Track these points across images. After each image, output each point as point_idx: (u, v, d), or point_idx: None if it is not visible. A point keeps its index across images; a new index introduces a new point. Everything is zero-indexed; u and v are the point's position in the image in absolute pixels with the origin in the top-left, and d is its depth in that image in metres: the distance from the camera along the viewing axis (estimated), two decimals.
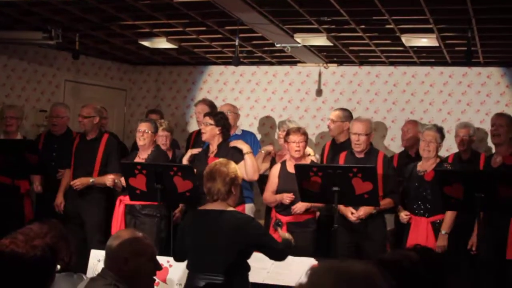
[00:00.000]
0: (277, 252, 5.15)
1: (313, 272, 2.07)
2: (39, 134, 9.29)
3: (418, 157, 7.88)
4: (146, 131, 7.59)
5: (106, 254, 3.98)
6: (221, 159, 5.35)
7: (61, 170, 8.34)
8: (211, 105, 8.77)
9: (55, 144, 8.63)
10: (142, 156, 7.63)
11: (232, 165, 5.16)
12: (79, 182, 7.99)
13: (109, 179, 7.91)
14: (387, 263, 2.82)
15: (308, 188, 6.64)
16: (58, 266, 3.17)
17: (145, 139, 7.58)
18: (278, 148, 8.49)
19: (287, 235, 5.39)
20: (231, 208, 5.07)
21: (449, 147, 9.28)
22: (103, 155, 8.06)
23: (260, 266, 5.72)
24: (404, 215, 7.17)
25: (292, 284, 5.37)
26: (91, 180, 7.99)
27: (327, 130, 9.90)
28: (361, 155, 7.35)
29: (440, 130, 7.27)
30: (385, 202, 7.12)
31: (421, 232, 7.01)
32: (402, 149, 8.72)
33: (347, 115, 8.37)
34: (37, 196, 8.67)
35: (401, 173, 7.49)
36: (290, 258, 5.63)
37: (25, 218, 8.06)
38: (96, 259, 6.10)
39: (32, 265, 2.93)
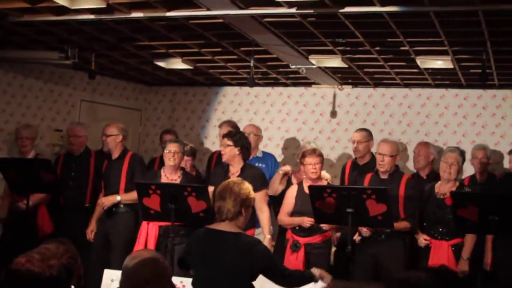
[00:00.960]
0: (283, 277, 5.05)
1: None
2: (57, 154, 9.34)
3: (430, 179, 7.90)
4: (177, 151, 7.53)
5: (124, 274, 3.97)
6: (235, 179, 5.32)
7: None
8: (235, 126, 8.76)
9: (73, 163, 8.67)
10: (171, 177, 7.56)
11: (246, 185, 5.06)
12: (106, 201, 7.98)
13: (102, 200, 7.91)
14: (403, 284, 2.82)
15: (322, 209, 6.63)
16: (73, 287, 3.17)
17: (176, 159, 7.51)
18: (297, 169, 8.48)
19: (325, 275, 5.26)
20: (239, 230, 4.98)
21: (464, 169, 9.25)
22: (128, 172, 8.03)
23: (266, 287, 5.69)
24: (423, 239, 7.13)
25: None
26: (118, 198, 7.96)
27: (341, 151, 9.96)
28: (385, 176, 7.34)
29: (462, 153, 7.26)
30: (401, 225, 7.07)
31: (442, 256, 6.97)
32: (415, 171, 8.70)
33: (370, 134, 8.44)
34: (56, 214, 8.67)
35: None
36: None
37: (38, 233, 8.04)
38: (110, 279, 6.09)
39: (47, 285, 2.94)
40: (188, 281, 5.82)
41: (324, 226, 7.22)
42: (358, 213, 6.47)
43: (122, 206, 8.03)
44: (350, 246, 6.62)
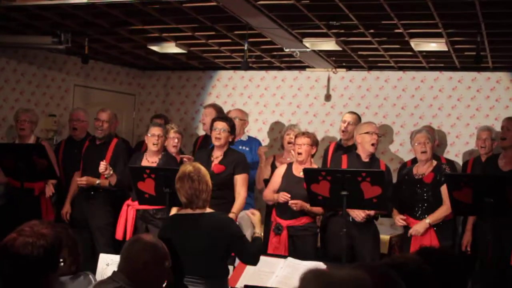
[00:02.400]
0: (250, 256, 5.23)
1: (302, 278, 2.09)
2: (51, 139, 9.33)
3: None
4: (161, 135, 7.58)
5: (124, 257, 3.98)
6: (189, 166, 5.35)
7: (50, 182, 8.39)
8: (220, 110, 8.81)
9: (75, 149, 8.63)
10: (151, 160, 7.61)
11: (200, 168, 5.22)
12: (86, 181, 8.00)
13: (102, 164, 7.89)
14: (391, 267, 2.82)
15: (317, 192, 6.63)
16: (61, 261, 3.19)
17: (159, 144, 7.58)
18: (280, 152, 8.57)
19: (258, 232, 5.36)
20: (209, 210, 5.15)
21: (458, 152, 9.28)
22: (111, 159, 8.07)
23: (269, 270, 5.72)
24: (399, 219, 7.17)
25: None
26: (97, 181, 7.99)
27: (336, 134, 9.94)
28: (367, 159, 7.36)
29: (431, 131, 7.30)
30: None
31: (424, 236, 7.02)
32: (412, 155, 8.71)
33: (361, 119, 8.50)
34: (56, 201, 8.68)
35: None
36: (298, 262, 5.65)
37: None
38: (105, 263, 6.09)
39: (44, 253, 2.97)
40: None
41: (292, 204, 7.20)
42: (353, 195, 6.47)
43: (100, 190, 8.07)
44: (345, 229, 6.65)
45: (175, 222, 5.24)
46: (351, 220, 7.16)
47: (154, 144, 7.56)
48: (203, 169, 5.25)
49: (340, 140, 8.56)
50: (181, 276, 5.03)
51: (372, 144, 7.33)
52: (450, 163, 8.26)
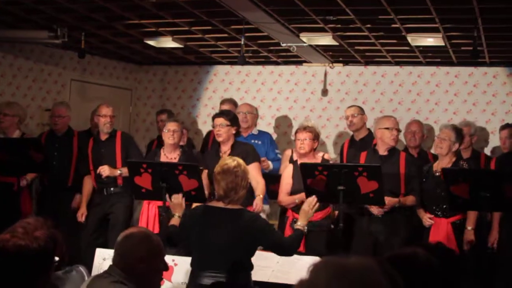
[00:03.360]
0: (285, 249, 5.21)
1: (312, 268, 2.09)
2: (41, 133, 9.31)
3: (420, 158, 7.95)
4: (176, 130, 7.55)
5: (118, 251, 3.97)
6: (230, 160, 5.34)
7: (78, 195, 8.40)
8: (236, 104, 9.03)
9: (56, 143, 8.60)
10: (170, 156, 7.58)
11: (240, 165, 5.21)
12: (108, 169, 7.93)
13: (104, 172, 7.89)
14: (399, 259, 2.83)
15: (314, 187, 6.62)
16: (57, 258, 3.18)
17: (175, 138, 7.53)
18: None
19: (300, 224, 5.36)
20: (239, 207, 5.12)
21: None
22: (122, 151, 8.05)
23: (265, 264, 5.72)
24: (428, 218, 7.14)
25: None
26: (118, 171, 7.96)
27: (333, 129, 9.97)
28: (385, 153, 7.34)
29: (457, 130, 7.23)
30: (408, 199, 7.13)
31: (441, 233, 6.98)
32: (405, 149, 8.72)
33: (362, 109, 8.56)
34: (39, 194, 8.70)
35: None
36: (295, 257, 5.64)
37: (21, 215, 7.98)
38: (101, 258, 6.09)
39: (36, 256, 2.94)
40: (179, 259, 5.86)
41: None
42: (349, 190, 6.46)
43: (118, 186, 8.05)
44: (342, 224, 6.65)
45: (206, 213, 5.22)
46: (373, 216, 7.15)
47: (169, 139, 7.53)
48: (246, 166, 5.26)
49: (352, 135, 8.56)
50: (200, 268, 5.04)
51: (393, 139, 7.33)
52: (474, 159, 8.18)
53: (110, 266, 3.95)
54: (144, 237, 3.98)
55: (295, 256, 5.66)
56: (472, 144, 8.31)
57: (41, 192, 8.74)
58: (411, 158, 7.52)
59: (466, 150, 8.16)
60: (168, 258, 5.52)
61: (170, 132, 7.54)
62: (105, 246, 7.10)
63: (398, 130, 7.40)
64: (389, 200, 6.94)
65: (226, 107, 8.76)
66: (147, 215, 7.52)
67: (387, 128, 7.32)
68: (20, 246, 2.93)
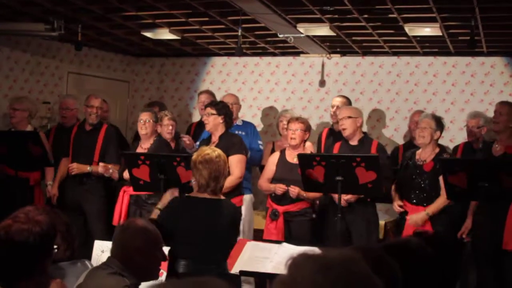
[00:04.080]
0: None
1: (292, 264, 2.01)
2: (45, 127, 9.29)
3: None
4: (148, 120, 7.69)
5: (116, 243, 3.98)
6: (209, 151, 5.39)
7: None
8: (213, 95, 8.94)
9: (65, 136, 8.61)
10: (144, 146, 7.70)
11: (219, 155, 5.33)
12: (77, 167, 8.06)
13: (101, 166, 7.94)
14: (393, 248, 2.83)
15: (312, 178, 6.63)
16: (55, 246, 3.19)
17: (147, 128, 7.68)
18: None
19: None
20: (220, 197, 5.28)
21: (453, 137, 9.27)
22: (102, 145, 8.13)
23: (263, 255, 5.72)
24: (397, 206, 7.18)
25: None
26: (88, 168, 8.06)
27: (330, 120, 9.94)
28: (355, 143, 7.37)
29: (436, 119, 7.25)
30: None
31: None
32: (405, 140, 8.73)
33: (350, 102, 8.58)
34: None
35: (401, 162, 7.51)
36: (293, 247, 5.65)
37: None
38: (100, 250, 6.07)
39: (39, 240, 2.97)
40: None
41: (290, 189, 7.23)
42: (347, 181, 6.47)
43: (92, 177, 8.14)
44: (340, 214, 6.67)
45: (187, 204, 5.26)
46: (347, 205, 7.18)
47: (142, 129, 7.69)
48: (225, 157, 5.32)
49: (332, 125, 8.57)
50: (180, 256, 5.07)
51: (344, 129, 7.37)
52: (485, 150, 8.10)
53: (109, 258, 3.97)
54: (142, 228, 3.99)
55: (293, 247, 5.67)
56: (482, 135, 8.25)
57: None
58: (381, 147, 7.53)
59: (476, 141, 8.11)
60: (166, 249, 5.55)
61: (141, 123, 7.70)
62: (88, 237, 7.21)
63: (351, 117, 7.39)
64: (352, 196, 7.10)
65: (203, 98, 8.75)
66: (121, 204, 7.62)
67: (341, 119, 7.37)
68: (23, 230, 2.96)
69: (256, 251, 5.50)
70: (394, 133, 9.78)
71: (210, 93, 9.06)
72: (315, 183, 6.69)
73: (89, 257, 6.03)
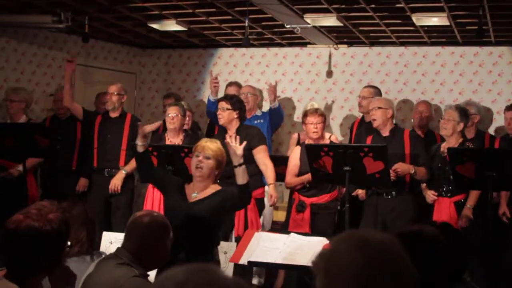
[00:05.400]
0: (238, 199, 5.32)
1: (334, 240, 2.15)
2: (45, 118, 9.31)
3: (428, 138, 7.94)
4: (176, 114, 7.57)
5: (127, 235, 4.00)
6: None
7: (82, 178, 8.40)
8: (240, 86, 9.09)
9: (60, 127, 8.63)
10: (174, 140, 7.61)
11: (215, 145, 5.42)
12: (118, 182, 8.01)
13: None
14: (407, 235, 2.84)
15: (320, 168, 6.63)
16: (69, 243, 3.19)
17: (175, 123, 7.55)
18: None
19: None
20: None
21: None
22: (129, 133, 8.07)
23: (272, 246, 5.72)
24: (431, 194, 7.15)
25: (305, 264, 5.38)
26: (124, 172, 8.03)
27: (337, 111, 9.96)
28: (386, 133, 7.34)
29: (460, 110, 7.23)
30: (420, 169, 7.09)
31: (444, 212, 7.00)
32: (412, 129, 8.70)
33: (378, 91, 8.53)
34: (43, 178, 8.72)
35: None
36: (302, 237, 5.65)
37: (28, 199, 7.98)
38: (108, 241, 6.10)
39: (48, 239, 2.96)
40: None
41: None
42: (355, 171, 6.46)
43: (120, 168, 8.10)
44: (348, 205, 6.66)
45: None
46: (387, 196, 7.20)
47: (171, 124, 7.58)
48: (223, 150, 5.39)
49: (363, 115, 8.55)
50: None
51: (374, 120, 7.33)
52: (478, 139, 8.10)
53: (118, 249, 3.98)
54: (153, 220, 4.02)
55: (302, 237, 5.67)
56: (474, 123, 8.24)
57: (46, 176, 8.75)
58: (415, 134, 7.51)
59: (469, 129, 8.11)
60: None
61: (170, 117, 7.58)
62: (108, 229, 7.17)
63: (382, 108, 7.35)
64: (400, 165, 6.99)
65: (231, 90, 8.78)
66: (152, 198, 7.56)
67: (371, 109, 7.36)
68: (33, 228, 2.95)
69: (264, 241, 5.49)
70: (401, 123, 9.75)
71: (238, 85, 9.12)
72: (323, 173, 6.68)
73: (97, 248, 6.07)
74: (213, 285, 1.85)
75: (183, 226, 5.10)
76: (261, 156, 7.05)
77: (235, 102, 7.27)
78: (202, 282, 1.84)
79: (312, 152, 6.70)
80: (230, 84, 9.29)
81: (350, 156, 6.45)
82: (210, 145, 5.30)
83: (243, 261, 5.63)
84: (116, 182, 7.96)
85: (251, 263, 5.73)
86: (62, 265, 3.17)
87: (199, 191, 5.33)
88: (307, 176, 7.18)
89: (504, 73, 9.42)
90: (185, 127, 7.93)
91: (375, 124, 7.34)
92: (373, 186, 7.10)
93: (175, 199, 5.34)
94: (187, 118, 8.05)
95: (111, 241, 6.01)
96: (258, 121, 8.33)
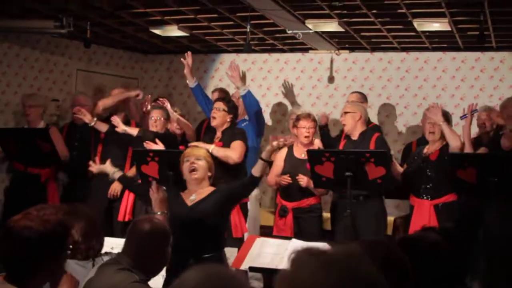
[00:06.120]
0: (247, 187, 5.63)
1: (294, 259, 1.98)
2: (54, 124, 9.31)
3: None
4: (159, 118, 7.67)
5: (128, 239, 4.00)
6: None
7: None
8: (226, 93, 8.91)
9: (77, 133, 8.62)
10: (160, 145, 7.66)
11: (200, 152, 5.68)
12: (119, 187, 7.97)
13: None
14: (408, 241, 2.84)
15: (321, 174, 6.63)
16: (70, 246, 3.19)
17: (157, 126, 7.66)
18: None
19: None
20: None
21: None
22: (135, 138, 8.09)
23: (274, 251, 5.72)
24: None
25: None
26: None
27: (339, 116, 9.91)
28: (355, 137, 7.37)
29: (444, 113, 7.24)
30: (396, 165, 7.18)
31: (424, 216, 6.98)
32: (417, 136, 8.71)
33: (364, 97, 8.60)
34: (65, 185, 8.72)
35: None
36: (304, 243, 5.64)
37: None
38: (109, 247, 6.09)
39: (43, 239, 2.96)
40: None
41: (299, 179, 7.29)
42: (357, 177, 6.47)
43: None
44: (349, 210, 6.65)
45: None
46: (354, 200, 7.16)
47: (153, 126, 7.71)
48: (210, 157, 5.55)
49: None
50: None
51: (344, 125, 7.43)
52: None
53: (118, 254, 3.99)
54: (154, 227, 4.02)
55: (303, 243, 5.67)
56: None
57: (67, 183, 8.75)
58: (381, 138, 7.45)
59: (486, 134, 8.02)
60: None
61: (152, 120, 7.77)
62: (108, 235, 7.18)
63: (351, 112, 7.40)
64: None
65: (216, 95, 8.73)
66: (126, 201, 7.66)
67: (346, 113, 7.41)
68: (26, 227, 2.96)
69: (265, 247, 5.50)
70: (403, 128, 9.76)
71: (224, 91, 9.08)
72: (324, 179, 6.69)
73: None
74: None
75: (188, 230, 5.16)
76: (235, 145, 7.07)
77: (232, 106, 7.33)
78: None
79: (313, 157, 6.71)
80: (215, 90, 9.26)
81: (351, 161, 6.45)
82: (195, 150, 5.57)
83: (245, 266, 5.63)
84: (116, 188, 7.95)
85: (252, 269, 5.73)
86: (63, 271, 3.16)
87: (196, 194, 5.39)
88: (282, 179, 7.35)
89: (506, 78, 9.41)
90: (178, 131, 8.03)
91: (345, 129, 7.44)
92: (375, 191, 7.08)
93: (176, 206, 5.39)
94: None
95: (112, 247, 6.00)
96: (245, 123, 8.32)
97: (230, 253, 5.88)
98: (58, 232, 3.02)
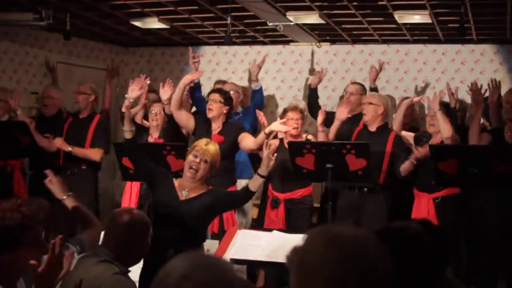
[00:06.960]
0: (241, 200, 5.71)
1: (307, 237, 2.10)
2: (31, 116, 9.25)
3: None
4: (159, 111, 7.77)
5: (107, 232, 3.99)
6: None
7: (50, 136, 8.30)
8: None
9: (45, 125, 8.57)
10: (155, 136, 7.76)
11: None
12: (61, 143, 8.03)
13: (58, 141, 7.99)
14: (391, 231, 2.84)
15: (302, 165, 6.63)
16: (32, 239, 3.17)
17: (158, 119, 7.75)
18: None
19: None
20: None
21: None
22: (94, 133, 8.07)
23: (254, 243, 5.71)
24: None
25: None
26: (69, 148, 8.03)
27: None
28: (373, 129, 7.36)
29: (445, 105, 7.25)
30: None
31: (422, 208, 7.02)
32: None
33: (364, 89, 8.59)
34: (30, 176, 8.66)
35: None
36: (285, 235, 5.65)
37: (13, 196, 7.92)
38: None
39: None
40: None
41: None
42: (338, 168, 6.47)
43: (82, 168, 8.12)
44: (331, 202, 6.66)
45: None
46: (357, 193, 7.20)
47: (153, 121, 7.81)
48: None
49: None
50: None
51: (364, 114, 7.39)
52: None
53: (98, 246, 3.96)
54: (133, 219, 4.00)
55: (284, 235, 5.67)
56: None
57: (32, 174, 8.69)
58: (399, 137, 7.47)
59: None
60: None
61: (153, 114, 7.84)
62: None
63: (372, 103, 7.41)
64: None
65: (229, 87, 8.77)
66: (130, 194, 7.62)
67: (370, 104, 7.36)
68: None
69: (247, 239, 5.49)
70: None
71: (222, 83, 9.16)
72: (305, 171, 6.68)
73: None
74: (218, 281, 1.86)
75: (172, 223, 5.14)
76: (249, 137, 7.08)
77: (228, 98, 7.33)
78: (208, 276, 1.88)
79: (294, 149, 6.70)
80: (217, 82, 9.30)
81: (332, 153, 6.45)
82: (210, 149, 5.32)
83: (226, 258, 5.62)
84: (59, 141, 8.05)
85: (234, 261, 5.72)
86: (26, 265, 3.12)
87: (189, 189, 5.34)
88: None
89: (486, 70, 9.45)
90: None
91: (365, 119, 7.39)
92: (356, 182, 7.08)
93: (165, 195, 5.35)
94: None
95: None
96: (238, 116, 8.35)
97: (211, 245, 5.88)
98: (15, 227, 3.01)
